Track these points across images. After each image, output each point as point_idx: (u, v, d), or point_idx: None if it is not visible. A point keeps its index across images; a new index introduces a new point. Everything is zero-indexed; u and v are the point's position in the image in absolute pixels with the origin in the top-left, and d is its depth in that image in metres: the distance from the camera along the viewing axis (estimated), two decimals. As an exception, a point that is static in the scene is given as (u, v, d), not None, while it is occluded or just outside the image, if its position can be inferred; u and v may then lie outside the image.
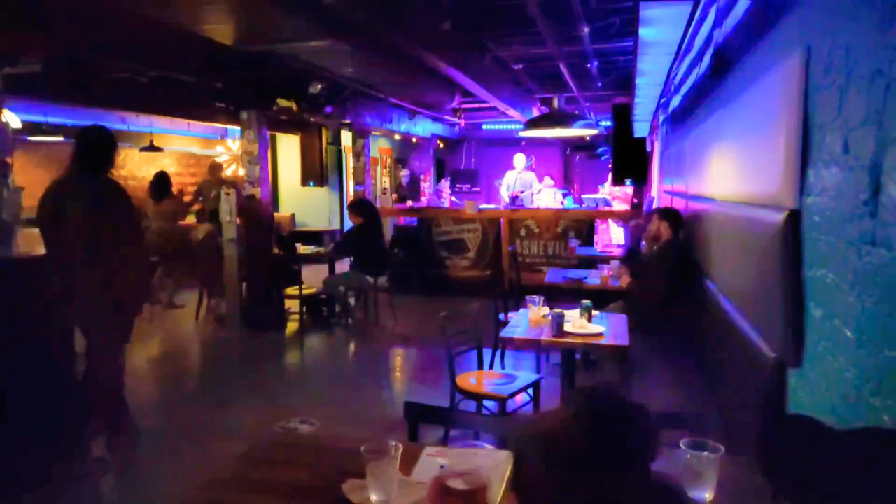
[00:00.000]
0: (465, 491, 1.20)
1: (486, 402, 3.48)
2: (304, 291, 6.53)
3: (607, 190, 10.44)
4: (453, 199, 11.88)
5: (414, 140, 12.67)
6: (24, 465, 3.08)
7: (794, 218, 1.86)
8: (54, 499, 3.06)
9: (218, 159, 11.71)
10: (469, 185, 15.03)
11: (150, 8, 4.17)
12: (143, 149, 9.52)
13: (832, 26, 1.64)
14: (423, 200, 13.88)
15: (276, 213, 9.32)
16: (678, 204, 5.36)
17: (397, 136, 12.12)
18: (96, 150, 3.33)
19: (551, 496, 0.89)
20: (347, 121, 8.67)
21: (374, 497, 1.40)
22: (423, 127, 11.74)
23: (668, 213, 4.71)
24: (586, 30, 5.86)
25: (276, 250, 6.87)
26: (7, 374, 3.17)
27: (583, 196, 12.53)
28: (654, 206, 7.60)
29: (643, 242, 4.87)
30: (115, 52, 5.46)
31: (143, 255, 3.92)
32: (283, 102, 6.83)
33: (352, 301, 7.12)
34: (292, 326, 6.74)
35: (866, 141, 1.36)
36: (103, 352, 3.42)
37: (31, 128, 7.84)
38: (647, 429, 0.94)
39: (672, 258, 4.39)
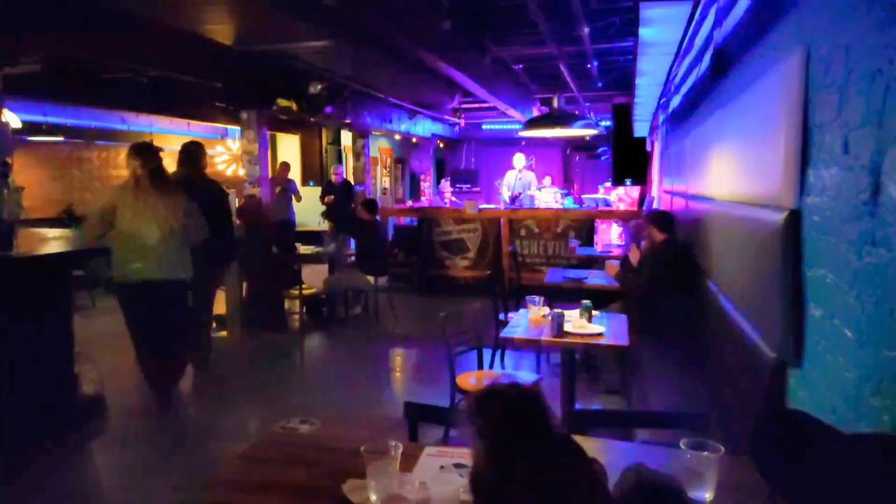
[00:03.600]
0: None
1: (486, 402, 3.47)
2: (304, 291, 6.53)
3: (615, 195, 10.43)
4: (453, 199, 11.87)
5: (414, 140, 12.67)
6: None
7: (794, 218, 1.86)
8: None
9: (218, 159, 11.76)
10: (469, 185, 15.03)
11: (150, 8, 4.17)
12: (144, 149, 9.52)
13: (832, 26, 1.64)
14: (424, 200, 13.87)
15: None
16: (678, 204, 5.37)
17: (397, 136, 12.12)
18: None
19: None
20: (347, 121, 8.67)
21: (374, 497, 1.40)
22: (423, 127, 11.74)
23: (655, 217, 4.72)
24: (586, 30, 5.87)
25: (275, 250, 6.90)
26: (7, 373, 3.17)
27: (583, 196, 12.52)
28: (654, 206, 7.61)
29: (642, 242, 4.87)
30: (115, 52, 5.46)
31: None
32: (283, 102, 6.83)
33: (352, 301, 7.13)
34: (292, 326, 6.74)
35: (866, 141, 1.36)
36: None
37: (31, 128, 7.83)
38: (521, 399, 0.98)
39: (662, 257, 4.40)
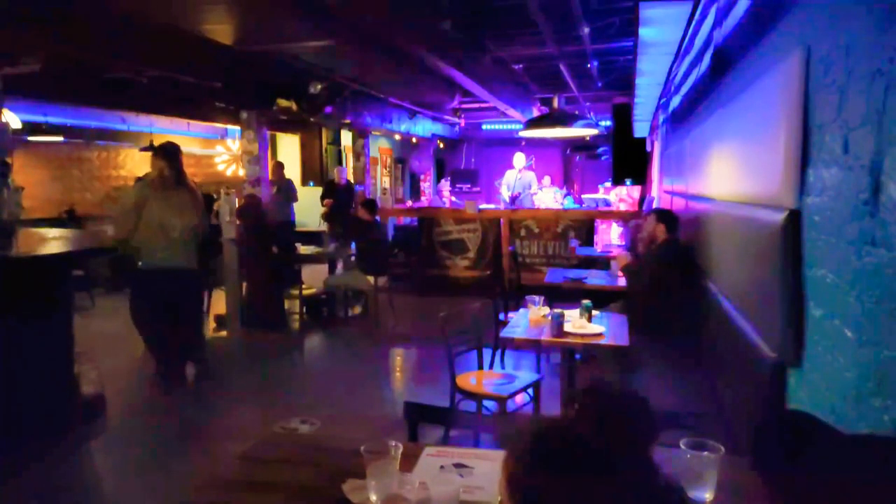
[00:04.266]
0: None
1: (486, 402, 3.48)
2: (304, 291, 6.53)
3: (615, 195, 10.43)
4: (453, 199, 11.87)
5: (414, 140, 12.67)
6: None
7: (794, 218, 1.86)
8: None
9: (218, 159, 11.77)
10: (469, 185, 15.03)
11: (150, 8, 4.17)
12: (143, 149, 9.50)
13: (832, 26, 1.64)
14: (424, 200, 13.88)
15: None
16: (678, 204, 5.36)
17: (397, 136, 12.11)
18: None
19: (552, 495, 0.88)
20: (347, 121, 8.67)
21: (374, 497, 1.40)
22: (423, 127, 11.74)
23: (664, 215, 4.70)
24: (586, 30, 5.87)
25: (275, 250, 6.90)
26: (7, 373, 3.17)
27: (583, 196, 12.53)
28: (654, 205, 7.61)
29: (639, 245, 4.89)
30: (115, 52, 5.46)
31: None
32: (283, 102, 6.83)
33: (352, 301, 7.13)
34: (292, 326, 6.74)
35: (866, 141, 1.36)
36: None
37: (31, 128, 7.84)
38: (651, 418, 0.95)
39: (665, 258, 4.39)
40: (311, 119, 7.99)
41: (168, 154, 4.58)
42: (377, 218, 7.12)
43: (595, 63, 7.61)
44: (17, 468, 3.07)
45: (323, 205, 9.13)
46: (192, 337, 4.97)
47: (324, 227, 9.87)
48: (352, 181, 10.17)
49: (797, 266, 1.84)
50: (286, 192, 8.86)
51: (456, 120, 12.13)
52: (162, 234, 4.46)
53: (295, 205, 9.16)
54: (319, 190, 11.32)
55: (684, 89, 4.91)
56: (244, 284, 6.60)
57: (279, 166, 9.12)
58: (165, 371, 4.78)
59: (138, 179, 5.26)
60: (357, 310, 7.24)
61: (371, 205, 7.02)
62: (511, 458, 0.92)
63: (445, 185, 12.44)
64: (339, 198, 9.13)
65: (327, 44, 5.15)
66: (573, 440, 0.90)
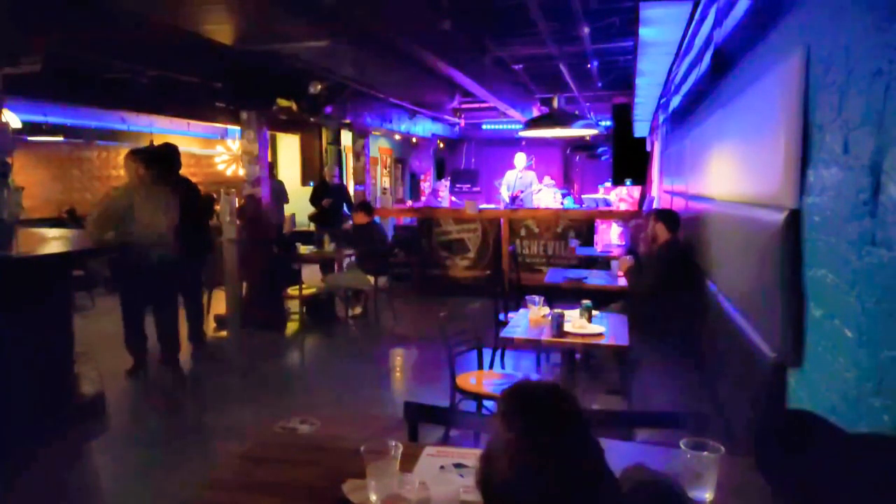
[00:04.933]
0: None
1: (486, 402, 3.48)
2: (304, 291, 6.53)
3: (615, 195, 10.42)
4: (453, 199, 11.87)
5: (414, 140, 12.67)
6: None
7: (794, 218, 1.86)
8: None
9: (218, 159, 11.76)
10: (469, 185, 15.03)
11: (150, 8, 4.17)
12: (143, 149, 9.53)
13: (832, 26, 1.64)
14: (423, 200, 13.88)
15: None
16: (678, 204, 5.36)
17: (397, 136, 12.11)
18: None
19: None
20: (347, 121, 8.67)
21: (374, 497, 1.40)
22: (423, 127, 11.74)
23: (665, 215, 4.70)
24: (586, 30, 5.87)
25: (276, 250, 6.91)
26: (7, 373, 3.17)
27: (583, 196, 12.53)
28: (655, 206, 7.60)
29: (640, 245, 4.89)
30: (115, 52, 5.46)
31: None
32: (283, 102, 6.83)
33: (352, 301, 7.13)
34: (292, 326, 6.73)
35: (866, 141, 1.36)
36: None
37: (31, 128, 7.84)
38: (566, 405, 0.97)
39: (667, 258, 4.39)
40: (311, 119, 7.99)
41: (142, 156, 5.04)
42: (377, 218, 7.11)
43: (595, 63, 7.61)
44: (17, 468, 3.07)
45: (322, 205, 8.41)
46: (165, 337, 5.18)
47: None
48: (351, 180, 10.02)
49: (797, 266, 1.84)
50: (277, 193, 8.71)
51: (456, 120, 12.13)
52: (153, 231, 4.81)
53: (295, 205, 9.14)
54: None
55: (684, 89, 4.91)
56: (244, 284, 6.61)
57: (269, 167, 9.00)
58: (135, 367, 5.05)
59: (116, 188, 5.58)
60: (357, 310, 7.23)
61: (367, 207, 6.97)
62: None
63: (443, 185, 12.41)
64: (332, 198, 8.51)
65: (327, 44, 5.15)
66: (503, 443, 0.94)
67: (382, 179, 13.46)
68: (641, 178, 8.62)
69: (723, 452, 1.38)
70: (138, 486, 3.31)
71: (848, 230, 1.47)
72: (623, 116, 7.71)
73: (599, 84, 8.94)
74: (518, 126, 10.58)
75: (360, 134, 9.95)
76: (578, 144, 14.22)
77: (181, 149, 5.68)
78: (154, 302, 5.13)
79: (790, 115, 1.89)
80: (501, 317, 4.87)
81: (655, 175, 8.66)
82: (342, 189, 9.05)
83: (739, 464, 1.50)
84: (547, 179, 12.00)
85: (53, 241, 4.29)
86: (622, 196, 10.23)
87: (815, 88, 1.74)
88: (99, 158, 11.16)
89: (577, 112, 9.48)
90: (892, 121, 1.25)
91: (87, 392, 3.99)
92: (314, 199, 8.45)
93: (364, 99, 8.52)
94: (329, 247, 7.10)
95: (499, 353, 4.88)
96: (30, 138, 8.81)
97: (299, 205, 11.55)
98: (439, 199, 11.73)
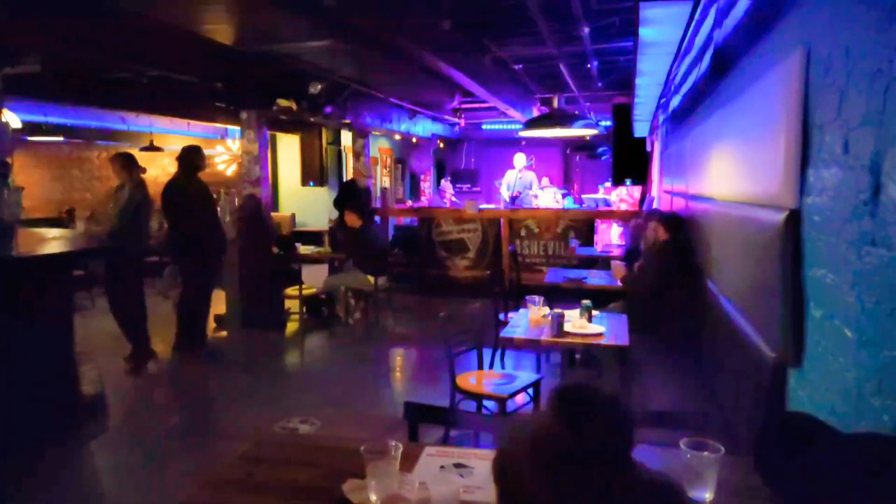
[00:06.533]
0: None
1: (486, 402, 3.48)
2: (304, 291, 6.53)
3: (615, 195, 10.41)
4: (453, 199, 11.86)
5: (414, 140, 12.66)
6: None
7: (794, 218, 1.86)
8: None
9: (218, 159, 11.75)
10: (469, 185, 15.03)
11: (150, 8, 4.17)
12: (143, 149, 9.53)
13: (832, 26, 1.64)
14: (424, 200, 13.87)
15: (275, 213, 9.34)
16: (678, 204, 5.36)
17: (397, 136, 12.11)
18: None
19: (536, 493, 0.90)
20: (347, 121, 8.66)
21: (374, 497, 1.40)
22: (423, 127, 11.74)
23: (664, 218, 4.71)
24: (586, 30, 5.86)
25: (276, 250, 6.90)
26: (7, 373, 3.17)
27: (583, 196, 12.53)
28: (654, 206, 7.60)
29: (642, 244, 4.88)
30: (114, 52, 5.45)
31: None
32: (283, 102, 6.83)
33: (352, 301, 7.12)
34: (292, 326, 6.73)
35: (866, 141, 1.36)
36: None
37: (31, 128, 7.84)
38: (625, 419, 0.95)
39: (666, 256, 4.39)
40: (311, 119, 7.98)
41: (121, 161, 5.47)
42: (377, 218, 7.07)
43: (595, 63, 7.60)
44: (18, 468, 3.07)
45: (349, 208, 6.69)
46: (198, 322, 5.66)
47: (325, 226, 9.79)
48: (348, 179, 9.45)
49: (797, 266, 1.84)
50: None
51: (456, 120, 12.12)
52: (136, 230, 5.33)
53: (295, 205, 9.13)
54: (320, 190, 11.32)
55: (684, 89, 4.91)
56: (244, 284, 6.61)
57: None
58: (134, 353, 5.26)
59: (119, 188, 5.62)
60: (357, 310, 7.24)
61: (359, 209, 6.71)
62: (497, 453, 0.98)
63: (448, 185, 12.38)
64: (360, 202, 7.13)
65: (327, 44, 5.16)
66: (547, 438, 0.92)
67: (382, 179, 13.46)
68: (641, 178, 8.61)
69: (723, 452, 1.38)
70: (138, 486, 3.31)
71: (848, 230, 1.47)
72: (623, 116, 7.70)
73: (599, 84, 8.94)
74: (518, 126, 10.57)
75: (360, 134, 9.95)
76: (578, 144, 14.22)
77: (181, 149, 5.71)
78: (202, 286, 5.59)
79: (790, 116, 1.89)
80: (501, 317, 4.87)
81: (655, 175, 8.65)
82: (368, 194, 7.99)
83: (739, 464, 1.50)
84: (545, 181, 11.99)
85: (53, 241, 4.30)
86: (622, 196, 10.23)
87: (815, 88, 1.74)
88: (99, 158, 11.16)
89: (577, 112, 9.48)
90: (892, 121, 1.25)
91: (87, 392, 4.00)
92: (340, 203, 7.31)
93: (364, 99, 8.52)
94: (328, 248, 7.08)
95: (499, 353, 4.88)
96: (30, 138, 8.81)
97: (300, 205, 11.55)
98: (445, 199, 11.70)
